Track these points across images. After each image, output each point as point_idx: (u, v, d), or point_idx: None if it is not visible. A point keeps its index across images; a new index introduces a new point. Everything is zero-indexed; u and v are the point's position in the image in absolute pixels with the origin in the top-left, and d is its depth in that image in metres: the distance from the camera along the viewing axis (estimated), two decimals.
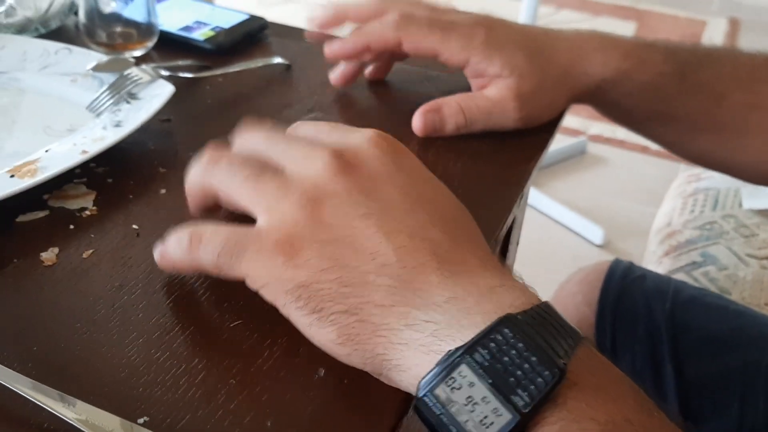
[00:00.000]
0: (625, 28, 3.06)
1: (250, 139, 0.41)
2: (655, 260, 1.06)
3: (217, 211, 0.41)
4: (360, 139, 0.39)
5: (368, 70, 0.63)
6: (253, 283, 0.36)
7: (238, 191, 0.37)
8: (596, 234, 1.79)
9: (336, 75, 0.61)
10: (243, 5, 0.72)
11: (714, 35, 3.06)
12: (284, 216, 0.35)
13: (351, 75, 0.61)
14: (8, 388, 0.33)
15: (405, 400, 0.35)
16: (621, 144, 2.21)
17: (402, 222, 0.35)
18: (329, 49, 0.58)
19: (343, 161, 0.37)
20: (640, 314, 0.77)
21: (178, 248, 0.37)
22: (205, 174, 0.39)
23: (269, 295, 0.35)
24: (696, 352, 0.74)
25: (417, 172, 0.39)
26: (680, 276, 0.98)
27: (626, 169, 2.12)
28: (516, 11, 1.92)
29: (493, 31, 0.55)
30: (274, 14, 0.72)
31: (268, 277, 0.35)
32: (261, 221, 0.36)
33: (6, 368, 0.34)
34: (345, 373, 0.35)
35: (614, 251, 1.76)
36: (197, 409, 0.33)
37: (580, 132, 2.24)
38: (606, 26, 3.04)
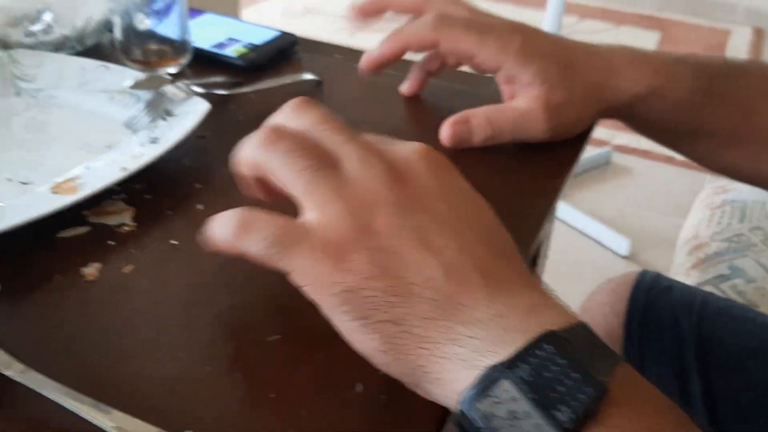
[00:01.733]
0: (648, 38, 3.05)
1: (303, 119, 0.39)
2: (682, 272, 1.06)
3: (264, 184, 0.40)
4: (410, 151, 0.38)
5: (403, 86, 0.64)
6: (297, 280, 0.36)
7: (293, 181, 0.37)
8: (622, 245, 1.78)
9: (406, 86, 0.63)
10: (267, 18, 0.73)
11: (738, 45, 3.04)
12: (336, 217, 0.35)
13: (422, 81, 0.63)
14: (55, 402, 0.33)
15: (442, 415, 0.35)
16: (646, 154, 2.21)
17: (451, 238, 0.35)
18: (368, 57, 0.59)
19: (397, 173, 0.37)
20: (666, 326, 0.77)
21: (225, 231, 0.37)
22: (261, 153, 0.38)
23: (313, 294, 0.35)
24: (723, 364, 0.73)
25: (463, 189, 0.39)
26: (708, 289, 0.98)
27: (651, 180, 2.11)
28: (540, 21, 1.92)
29: (530, 39, 0.55)
30: (297, 26, 0.73)
31: (315, 277, 0.35)
32: (311, 216, 0.36)
33: (52, 381, 0.34)
34: (382, 388, 0.36)
35: (640, 262, 1.75)
36: (237, 423, 0.34)
37: (604, 142, 2.23)
38: (629, 36, 3.03)
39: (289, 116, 0.40)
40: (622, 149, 2.22)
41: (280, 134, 0.38)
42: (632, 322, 0.78)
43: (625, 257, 1.78)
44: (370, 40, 0.62)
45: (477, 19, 0.57)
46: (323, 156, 0.38)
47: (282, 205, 0.38)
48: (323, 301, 0.35)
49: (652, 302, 0.78)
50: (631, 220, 1.91)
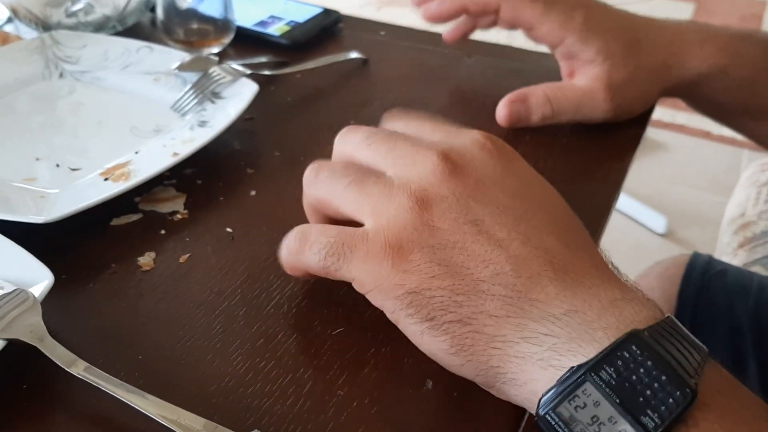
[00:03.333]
0: (682, 9, 2.97)
1: (350, 142, 0.39)
2: (729, 252, 1.03)
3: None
4: (466, 140, 0.37)
5: (447, 32, 0.62)
6: (360, 287, 0.35)
7: (341, 198, 0.36)
8: (659, 223, 1.75)
9: (449, 33, 0.61)
10: None
11: None
12: (391, 219, 0.34)
13: (463, 33, 0.61)
14: (118, 398, 0.32)
15: (518, 415, 0.34)
16: (681, 129, 2.16)
17: (514, 228, 0.34)
18: (427, 11, 0.57)
19: (450, 163, 0.35)
20: (721, 311, 0.74)
21: (287, 250, 0.36)
22: (310, 188, 0.38)
23: (377, 300, 0.34)
24: None
25: (526, 176, 0.37)
26: (756, 269, 0.95)
27: (687, 155, 2.06)
28: None
29: (594, 14, 0.53)
30: (323, 0, 0.71)
31: (377, 282, 0.34)
32: (367, 225, 0.35)
33: (114, 378, 0.33)
34: (454, 386, 0.34)
35: (678, 240, 1.72)
36: (307, 421, 0.33)
37: None
38: (663, 7, 2.96)
39: (339, 147, 0.40)
40: (657, 124, 2.17)
41: (320, 165, 0.38)
42: (684, 308, 0.76)
43: (662, 235, 1.74)
44: (400, 15, 0.60)
45: None
46: (366, 170, 0.37)
47: None
48: (388, 305, 0.34)
49: (706, 287, 0.76)
50: (667, 197, 1.87)
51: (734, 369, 0.73)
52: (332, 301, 0.39)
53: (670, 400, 0.28)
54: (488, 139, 0.37)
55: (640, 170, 1.97)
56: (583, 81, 0.53)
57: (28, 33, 0.64)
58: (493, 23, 0.59)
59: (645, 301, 0.32)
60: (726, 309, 0.73)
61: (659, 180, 1.94)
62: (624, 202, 1.81)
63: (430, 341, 0.33)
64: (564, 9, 0.53)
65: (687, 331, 0.31)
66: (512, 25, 0.55)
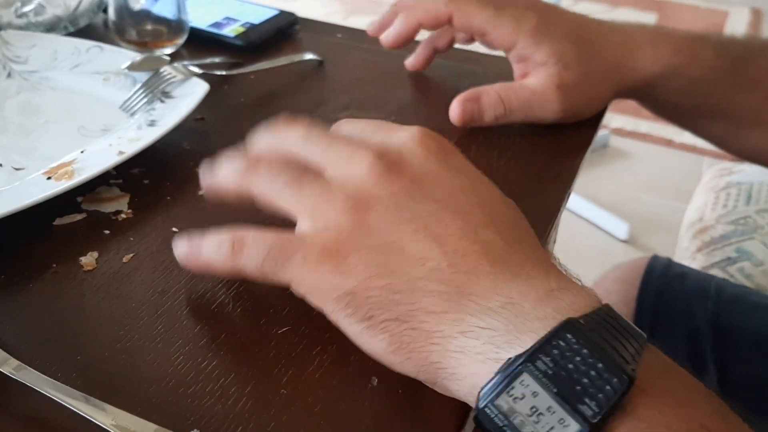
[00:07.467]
0: (645, 20, 3.02)
1: (287, 137, 0.39)
2: (688, 256, 1.04)
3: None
4: (404, 138, 0.37)
5: (409, 60, 0.62)
6: (298, 289, 0.35)
7: (279, 197, 0.36)
8: (621, 229, 1.76)
9: (411, 61, 0.62)
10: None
11: (736, 25, 3.01)
12: (329, 222, 0.34)
13: (425, 59, 0.61)
14: (53, 399, 0.31)
15: (463, 411, 0.33)
16: (644, 137, 2.18)
17: (451, 224, 0.34)
18: (384, 37, 0.57)
19: (387, 163, 0.35)
20: (680, 314, 0.75)
21: (219, 253, 0.36)
22: (243, 179, 0.37)
23: (316, 301, 0.34)
24: (741, 353, 0.71)
25: (465, 172, 0.37)
26: (715, 272, 0.96)
27: (649, 163, 2.09)
28: None
29: (545, 17, 0.53)
30: (288, 9, 0.71)
31: (315, 284, 0.34)
32: (304, 227, 0.35)
33: (48, 378, 0.32)
34: (399, 383, 0.34)
35: (640, 246, 1.74)
36: (248, 421, 0.32)
37: (602, 125, 2.21)
38: (625, 18, 3.00)
39: (271, 141, 0.40)
40: (620, 132, 2.20)
41: (257, 158, 0.38)
42: (643, 311, 0.76)
43: (624, 241, 1.76)
44: (367, 24, 0.60)
45: None
46: (305, 168, 0.37)
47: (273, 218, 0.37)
48: (327, 307, 0.34)
49: (665, 290, 0.76)
50: (630, 204, 1.89)
51: (693, 371, 0.73)
52: (279, 301, 0.38)
53: (608, 387, 0.28)
54: (427, 135, 0.37)
55: (603, 178, 1.99)
56: (534, 82, 0.53)
57: None
58: (450, 44, 0.61)
59: (583, 291, 0.33)
60: (685, 312, 0.74)
61: (622, 187, 1.96)
62: (587, 208, 1.82)
63: (369, 340, 0.33)
64: (514, 13, 0.53)
65: (624, 319, 0.32)
66: (467, 33, 0.56)
